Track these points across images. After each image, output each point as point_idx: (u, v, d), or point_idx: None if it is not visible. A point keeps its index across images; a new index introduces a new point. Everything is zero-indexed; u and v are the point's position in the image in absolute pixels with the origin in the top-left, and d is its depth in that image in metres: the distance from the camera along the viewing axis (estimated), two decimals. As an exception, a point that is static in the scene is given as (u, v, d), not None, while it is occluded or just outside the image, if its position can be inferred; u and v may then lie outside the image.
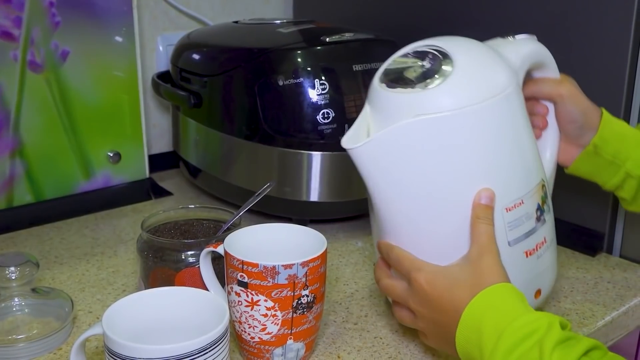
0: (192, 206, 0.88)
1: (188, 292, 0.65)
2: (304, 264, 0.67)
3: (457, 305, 0.63)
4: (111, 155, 1.12)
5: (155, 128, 1.26)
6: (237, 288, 0.68)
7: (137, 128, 1.14)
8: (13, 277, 0.74)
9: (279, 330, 0.68)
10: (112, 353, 0.57)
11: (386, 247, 0.70)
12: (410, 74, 0.68)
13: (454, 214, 0.66)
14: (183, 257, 0.78)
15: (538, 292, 0.73)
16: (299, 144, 0.96)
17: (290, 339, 0.69)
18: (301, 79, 0.94)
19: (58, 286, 0.87)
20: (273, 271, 0.66)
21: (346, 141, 0.67)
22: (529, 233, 0.70)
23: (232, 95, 1.01)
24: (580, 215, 0.98)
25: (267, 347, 0.69)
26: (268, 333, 0.68)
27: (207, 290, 0.76)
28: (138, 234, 0.85)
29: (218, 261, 0.76)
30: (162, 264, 0.78)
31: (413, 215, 0.67)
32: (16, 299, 0.76)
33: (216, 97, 1.04)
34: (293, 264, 0.66)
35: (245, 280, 0.67)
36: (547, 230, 0.73)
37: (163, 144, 1.27)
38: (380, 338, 0.77)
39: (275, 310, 0.67)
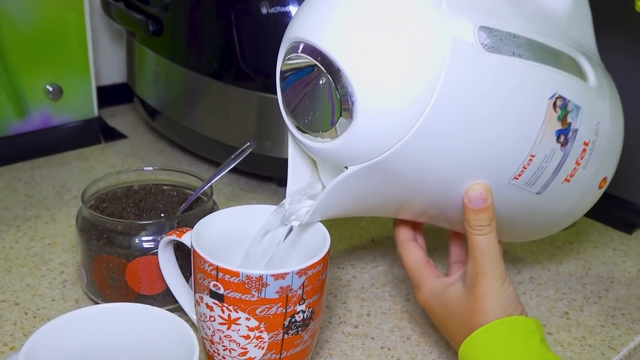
0: (150, 168, 0.70)
1: (139, 312, 0.48)
2: (301, 273, 0.49)
3: (453, 339, 0.55)
4: (50, 89, 0.91)
5: (105, 54, 1.05)
6: (208, 300, 0.50)
7: (82, 55, 0.93)
8: None
9: (264, 355, 0.51)
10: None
11: (395, 238, 0.59)
12: (307, 112, 0.50)
13: (451, 207, 0.54)
14: (137, 242, 0.60)
15: (603, 182, 0.61)
16: (284, 88, 0.77)
17: (279, 364, 0.52)
18: (289, 8, 0.74)
19: (-23, 264, 0.69)
20: (259, 282, 0.48)
21: (290, 217, 0.54)
22: (558, 167, 0.54)
23: (202, 22, 0.81)
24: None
25: (247, 373, 0.52)
26: (250, 358, 0.51)
27: (168, 287, 0.59)
28: (79, 202, 0.66)
29: (183, 245, 0.59)
30: (108, 250, 0.60)
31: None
32: None
33: (181, 24, 0.83)
34: (286, 273, 0.49)
35: (221, 291, 0.49)
36: (586, 131, 0.55)
37: (115, 74, 1.06)
38: (389, 349, 0.61)
39: (261, 331, 0.50)
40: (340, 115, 0.47)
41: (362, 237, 0.77)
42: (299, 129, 0.51)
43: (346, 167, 0.49)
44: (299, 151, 0.55)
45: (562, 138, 0.53)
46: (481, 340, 0.51)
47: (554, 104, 0.52)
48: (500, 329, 0.51)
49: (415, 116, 0.45)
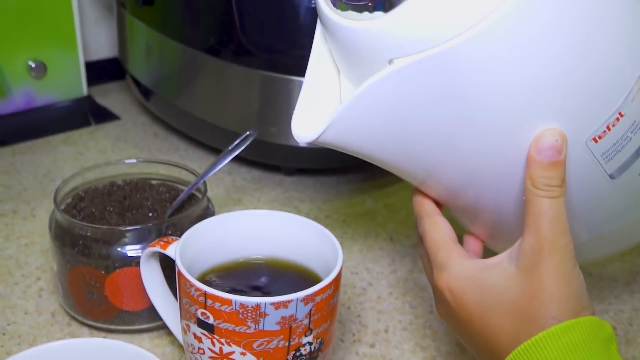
0: (134, 160, 0.61)
1: (113, 349, 0.39)
2: (306, 300, 0.41)
3: (493, 344, 0.41)
4: (33, 65, 0.83)
5: (96, 25, 0.96)
6: (196, 330, 0.42)
7: (68, 27, 0.84)
8: None
9: (263, 393, 0.43)
10: None
11: (417, 212, 0.47)
12: None
13: (502, 186, 0.42)
14: (118, 250, 0.51)
15: None
16: (290, 66, 0.67)
17: (281, 403, 0.44)
18: (296, -26, 0.65)
19: (-57, 269, 0.61)
20: (256, 312, 0.40)
21: (299, 125, 0.42)
22: None
23: (197, -9, 0.72)
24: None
25: (244, 413, 0.44)
26: (246, 397, 0.43)
27: (153, 306, 0.51)
28: (69, 185, 0.58)
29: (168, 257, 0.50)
30: (85, 261, 0.51)
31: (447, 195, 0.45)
32: None
33: (174, -7, 0.74)
34: (290, 301, 0.40)
35: (211, 321, 0.41)
36: None
37: (106, 47, 0.97)
38: (410, 374, 0.52)
39: (259, 368, 0.42)
40: None
41: (378, 234, 0.69)
42: (340, 7, 0.39)
43: (390, 63, 0.37)
44: (324, 59, 0.44)
45: None
46: (550, 346, 0.38)
47: None
48: (576, 332, 0.38)
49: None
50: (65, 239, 0.52)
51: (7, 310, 0.57)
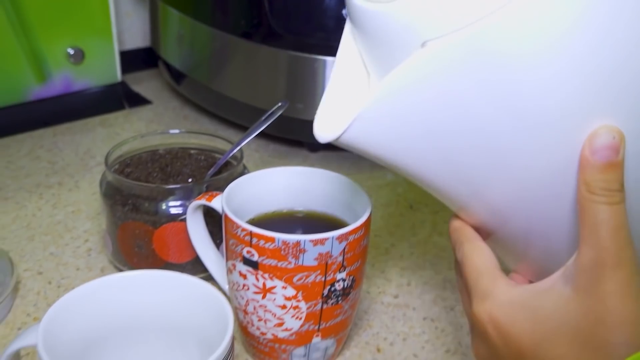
0: (176, 131, 0.66)
1: (169, 280, 0.44)
2: (341, 238, 0.46)
3: None
4: (72, 52, 0.88)
5: (128, 17, 1.01)
6: (242, 267, 0.47)
7: (104, 17, 0.89)
8: None
9: (301, 326, 0.48)
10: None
11: (455, 238, 0.42)
12: None
13: (558, 202, 0.36)
14: (164, 207, 0.56)
15: None
16: (315, 46, 0.72)
17: (317, 336, 0.49)
18: (322, -41, 0.70)
19: (-1, 232, 0.66)
20: (297, 249, 0.45)
21: (321, 124, 0.37)
22: None
23: (228, -22, 0.77)
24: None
25: (284, 346, 0.49)
26: (286, 329, 0.48)
27: (196, 253, 0.56)
28: (104, 168, 0.63)
29: (213, 211, 0.55)
30: (134, 217, 0.56)
31: (481, 207, 0.39)
32: None
33: (206, -19, 0.79)
34: (326, 239, 0.45)
35: (255, 258, 0.46)
36: None
37: (138, 38, 1.03)
38: (432, 320, 0.57)
39: (298, 301, 0.47)
40: None
41: (399, 203, 0.73)
42: None
43: (423, 46, 0.33)
44: (351, 56, 0.39)
45: None
46: None
47: None
48: None
49: None
50: (116, 198, 0.57)
51: (60, 267, 0.62)
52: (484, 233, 0.41)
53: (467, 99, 0.33)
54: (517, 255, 0.41)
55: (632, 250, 0.34)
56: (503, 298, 0.37)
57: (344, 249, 0.46)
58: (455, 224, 0.42)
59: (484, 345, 0.38)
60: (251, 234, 0.45)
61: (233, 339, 0.39)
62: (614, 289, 0.33)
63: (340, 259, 0.46)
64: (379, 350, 0.54)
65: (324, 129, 0.36)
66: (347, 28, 0.39)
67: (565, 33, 0.31)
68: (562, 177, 0.35)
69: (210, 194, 0.52)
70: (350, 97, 0.38)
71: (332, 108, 0.38)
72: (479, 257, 0.39)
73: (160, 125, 0.88)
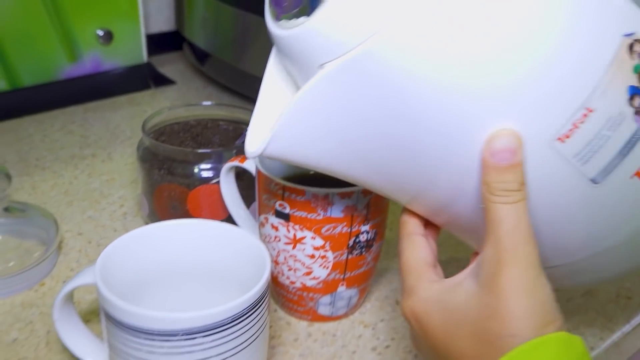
0: (208, 103, 0.70)
1: (211, 228, 0.48)
2: (366, 192, 0.50)
3: None
4: (101, 34, 0.92)
5: (153, 1, 1.06)
6: (274, 220, 0.51)
7: (132, 1, 0.93)
8: (-22, 194, 0.57)
9: (328, 275, 0.52)
10: (110, 317, 0.41)
11: (399, 233, 0.44)
12: None
13: (464, 186, 0.38)
14: (196, 171, 0.61)
15: None
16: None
17: (342, 285, 0.53)
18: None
19: (39, 197, 0.70)
20: (325, 201, 0.49)
21: (250, 141, 0.40)
22: (628, 146, 0.37)
23: (252, -39, 0.81)
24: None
25: (311, 294, 0.53)
26: (314, 278, 0.52)
27: (228, 212, 0.60)
28: (137, 135, 0.68)
29: (242, 176, 0.60)
30: (170, 179, 0.61)
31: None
32: (-16, 222, 0.60)
33: (231, -36, 0.83)
34: (352, 192, 0.49)
35: (287, 211, 0.50)
36: None
37: (163, 21, 1.07)
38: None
39: (326, 251, 0.51)
40: None
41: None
42: (275, 14, 0.39)
43: (322, 67, 0.36)
44: (276, 71, 0.43)
45: (637, 101, 0.37)
46: None
47: (631, 47, 0.37)
48: (542, 353, 0.34)
49: None
50: (153, 162, 0.61)
51: (98, 229, 0.66)
52: (432, 221, 0.44)
53: (365, 111, 0.36)
54: (462, 236, 0.44)
55: (529, 247, 0.35)
56: (423, 295, 0.39)
57: (368, 202, 0.50)
58: (403, 217, 0.44)
59: (412, 336, 0.42)
60: (284, 187, 0.49)
61: (270, 279, 0.44)
62: (507, 285, 0.35)
63: (364, 212, 0.50)
64: (397, 303, 0.58)
65: (251, 145, 0.40)
66: (274, 47, 0.42)
67: (442, 50, 0.34)
68: (470, 177, 0.37)
69: (242, 156, 0.57)
70: (276, 113, 0.41)
71: (259, 125, 0.41)
72: (410, 253, 0.42)
73: (185, 103, 0.93)
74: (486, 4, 0.34)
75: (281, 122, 0.36)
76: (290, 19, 0.37)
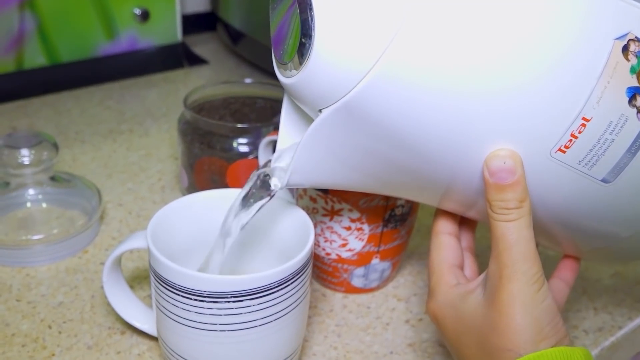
0: (249, 80, 0.72)
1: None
2: (403, 167, 0.51)
3: None
4: (138, 12, 0.94)
5: (188, -18, 1.07)
6: (313, 192, 0.53)
7: (168, -19, 0.95)
8: (26, 162, 0.59)
9: (363, 247, 0.54)
10: (160, 279, 0.43)
11: (432, 233, 0.46)
12: (282, 43, 0.41)
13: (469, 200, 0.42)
14: (235, 145, 0.62)
15: None
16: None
17: (377, 257, 0.55)
18: None
19: (80, 170, 0.72)
20: (364, 175, 0.51)
21: (274, 175, 0.45)
22: (637, 142, 0.38)
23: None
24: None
25: (346, 266, 0.55)
26: (349, 250, 0.54)
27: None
28: (172, 113, 0.70)
29: (279, 152, 0.61)
30: (210, 153, 0.62)
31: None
32: (31, 189, 0.62)
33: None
34: (390, 167, 0.51)
35: (326, 183, 0.52)
36: None
37: (198, 2, 1.09)
38: (477, 255, 0.62)
39: (362, 223, 0.52)
40: (301, 40, 0.37)
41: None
42: (277, 63, 0.42)
43: (320, 112, 0.39)
44: (292, 105, 0.47)
45: (639, 100, 0.37)
46: None
47: (625, 48, 0.37)
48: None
49: (387, 39, 0.35)
50: (194, 136, 0.63)
51: (138, 200, 0.68)
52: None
53: (365, 143, 0.39)
54: None
55: (528, 263, 0.37)
56: (440, 298, 0.42)
57: (405, 177, 0.52)
58: (435, 215, 0.46)
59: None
60: (324, 161, 0.51)
61: (313, 248, 0.45)
62: (505, 300, 0.37)
63: (401, 186, 0.52)
64: (429, 277, 0.59)
65: (274, 181, 0.44)
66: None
67: (423, 85, 0.35)
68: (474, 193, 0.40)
69: (281, 131, 0.58)
70: (296, 137, 0.46)
71: (280, 158, 0.45)
72: (435, 253, 0.44)
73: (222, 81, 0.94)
74: (477, 29, 0.35)
75: (294, 162, 0.40)
76: (285, 69, 0.40)
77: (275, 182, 0.44)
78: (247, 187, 0.45)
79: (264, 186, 0.44)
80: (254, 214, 0.44)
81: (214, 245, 0.47)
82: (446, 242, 0.45)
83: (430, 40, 0.35)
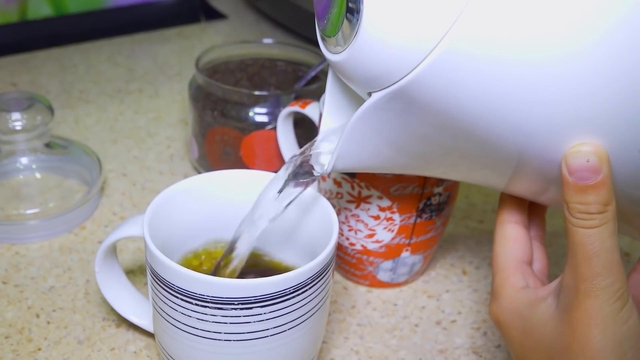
0: (270, 40, 0.65)
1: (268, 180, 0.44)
2: (443, 151, 0.44)
3: None
4: (152, -40, 0.87)
5: None
6: (337, 175, 0.46)
7: None
8: (18, 127, 0.53)
9: (393, 238, 0.47)
10: (157, 278, 0.37)
11: (496, 222, 0.40)
12: (326, 13, 0.35)
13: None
14: (251, 115, 0.56)
15: None
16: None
17: (407, 250, 0.48)
18: None
19: (82, 132, 0.66)
20: (398, 158, 0.44)
21: (322, 157, 0.40)
22: None
23: None
24: None
25: (372, 258, 0.48)
26: (377, 241, 0.47)
27: (284, 161, 0.55)
28: (186, 71, 0.63)
29: (300, 123, 0.55)
30: (224, 122, 0.56)
31: None
32: (23, 158, 0.56)
33: None
34: (428, 150, 0.44)
35: (353, 166, 0.45)
36: None
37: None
38: (517, 246, 0.56)
39: (393, 212, 0.46)
40: (347, 15, 0.32)
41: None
42: (322, 36, 0.36)
43: (369, 95, 0.34)
44: (338, 82, 0.41)
45: None
46: None
47: None
48: None
49: (455, 11, 0.29)
50: (206, 103, 0.57)
51: (144, 170, 0.62)
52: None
53: (418, 129, 0.34)
54: None
55: (611, 277, 0.32)
56: (505, 303, 0.37)
57: (445, 162, 0.45)
58: (500, 201, 0.40)
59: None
60: (351, 141, 0.44)
61: (336, 246, 0.39)
62: (582, 319, 0.32)
63: (439, 172, 0.45)
64: (464, 272, 0.53)
65: (318, 165, 0.39)
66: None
67: (490, 70, 0.30)
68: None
69: (303, 101, 0.51)
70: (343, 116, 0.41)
71: (325, 143, 0.40)
72: (500, 247, 0.38)
73: (237, 40, 0.87)
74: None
75: (340, 146, 0.36)
76: (329, 44, 0.35)
77: (319, 168, 0.39)
78: (285, 172, 0.39)
79: (303, 172, 0.39)
80: (291, 201, 0.39)
81: (238, 232, 0.41)
82: (513, 234, 0.38)
83: (506, 5, 0.29)
